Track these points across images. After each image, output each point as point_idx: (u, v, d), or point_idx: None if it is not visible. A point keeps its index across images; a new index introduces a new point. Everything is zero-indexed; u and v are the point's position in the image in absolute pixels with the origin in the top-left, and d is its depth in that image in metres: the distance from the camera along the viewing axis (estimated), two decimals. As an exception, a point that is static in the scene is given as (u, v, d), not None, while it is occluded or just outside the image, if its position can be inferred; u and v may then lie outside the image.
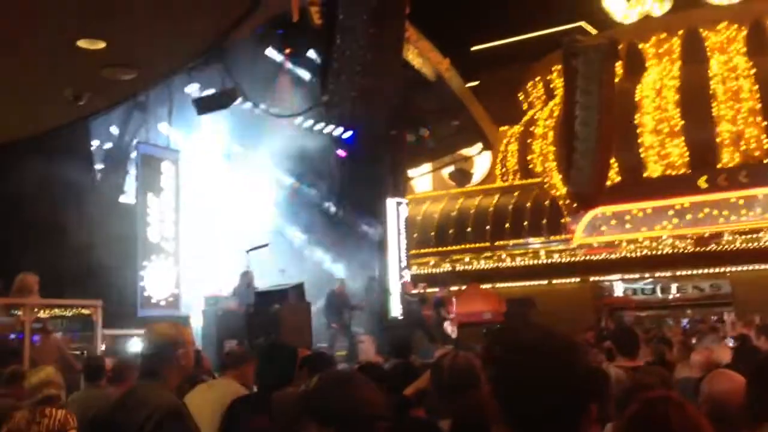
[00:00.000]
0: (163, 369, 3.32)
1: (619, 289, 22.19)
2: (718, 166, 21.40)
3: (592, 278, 21.95)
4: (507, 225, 23.62)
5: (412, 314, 15.73)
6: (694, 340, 9.48)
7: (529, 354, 1.57)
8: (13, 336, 9.20)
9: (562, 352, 1.57)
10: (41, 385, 5.05)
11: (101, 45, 7.42)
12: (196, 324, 13.09)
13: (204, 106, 13.94)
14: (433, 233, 24.69)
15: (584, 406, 1.55)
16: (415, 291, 16.15)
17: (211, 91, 13.99)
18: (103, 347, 9.58)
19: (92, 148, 13.67)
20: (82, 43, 7.32)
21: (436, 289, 16.75)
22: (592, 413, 1.58)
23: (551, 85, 26.06)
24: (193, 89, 14.39)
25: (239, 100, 13.96)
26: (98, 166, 14.01)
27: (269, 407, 4.40)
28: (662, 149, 22.12)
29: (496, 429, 1.59)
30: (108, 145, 14.25)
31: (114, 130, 14.28)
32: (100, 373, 6.09)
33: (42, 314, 9.85)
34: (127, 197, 14.02)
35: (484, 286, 21.63)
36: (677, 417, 1.75)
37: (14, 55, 7.60)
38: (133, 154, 13.71)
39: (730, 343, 8.97)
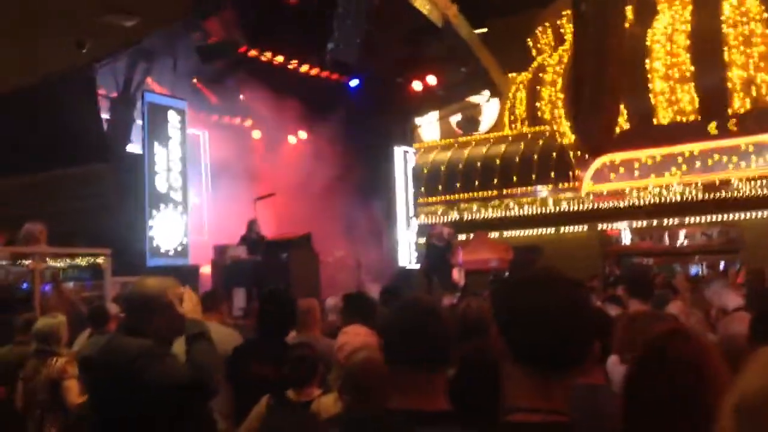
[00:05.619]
0: (142, 328, 3.22)
1: (627, 237, 22.18)
2: (729, 112, 21.16)
3: (600, 226, 21.92)
4: (515, 173, 23.51)
5: (434, 260, 15.55)
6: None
7: (532, 292, 1.57)
8: (26, 285, 9.31)
9: (565, 290, 1.57)
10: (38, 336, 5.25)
11: (103, -9, 7.35)
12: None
13: (208, 54, 13.82)
14: (440, 182, 24.63)
15: (588, 343, 1.55)
16: (444, 235, 15.56)
17: (215, 40, 13.85)
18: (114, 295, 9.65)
19: (98, 98, 13.57)
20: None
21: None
22: (596, 351, 1.59)
23: (561, 31, 25.65)
24: (198, 38, 14.22)
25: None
26: (104, 116, 13.95)
27: (271, 354, 4.46)
28: (672, 95, 21.86)
29: (505, 367, 1.60)
30: (114, 94, 14.18)
31: (120, 79, 14.18)
32: (105, 321, 6.31)
33: (51, 263, 9.93)
34: (134, 147, 13.99)
35: (491, 235, 21.67)
36: (689, 350, 1.75)
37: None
38: (139, 104, 13.65)
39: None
